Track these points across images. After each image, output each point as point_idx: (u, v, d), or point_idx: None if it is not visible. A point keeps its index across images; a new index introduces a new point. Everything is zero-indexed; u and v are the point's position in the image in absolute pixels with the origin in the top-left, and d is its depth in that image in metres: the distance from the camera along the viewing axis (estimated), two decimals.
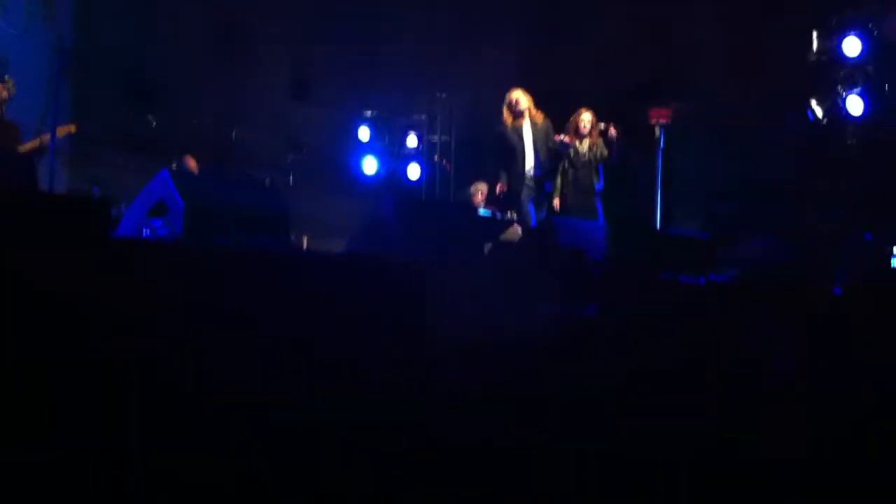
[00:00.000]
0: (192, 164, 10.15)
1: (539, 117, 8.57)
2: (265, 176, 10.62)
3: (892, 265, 7.40)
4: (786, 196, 9.91)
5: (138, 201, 5.61)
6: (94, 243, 4.44)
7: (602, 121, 8.78)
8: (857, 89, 9.59)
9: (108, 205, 5.75)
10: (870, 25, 9.52)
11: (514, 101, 8.55)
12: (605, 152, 8.69)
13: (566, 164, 8.71)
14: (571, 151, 8.70)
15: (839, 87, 9.68)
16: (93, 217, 4.48)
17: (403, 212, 6.11)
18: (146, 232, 5.43)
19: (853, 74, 9.65)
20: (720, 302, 5.89)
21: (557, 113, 9.04)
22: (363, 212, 7.11)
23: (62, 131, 8.22)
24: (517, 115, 8.55)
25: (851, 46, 9.56)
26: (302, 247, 8.69)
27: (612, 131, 8.62)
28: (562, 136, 8.62)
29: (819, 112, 9.83)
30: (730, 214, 10.08)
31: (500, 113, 8.68)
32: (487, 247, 7.24)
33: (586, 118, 8.73)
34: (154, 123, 10.16)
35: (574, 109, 8.89)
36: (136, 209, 5.58)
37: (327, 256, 5.60)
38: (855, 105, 9.59)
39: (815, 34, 9.84)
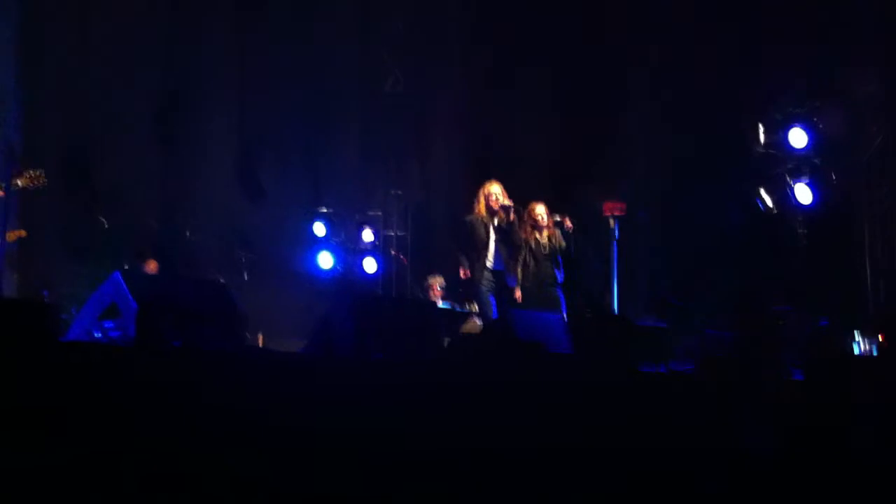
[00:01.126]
0: (152, 266, 10.04)
1: (508, 216, 8.50)
2: (218, 276, 10.52)
3: (852, 350, 7.45)
4: (739, 285, 10.00)
5: (89, 304, 5.48)
6: (43, 347, 4.33)
7: (556, 213, 8.84)
8: (805, 179, 9.80)
9: (58, 309, 5.64)
10: (814, 119, 9.79)
11: (490, 196, 8.51)
12: (563, 244, 8.72)
13: (527, 257, 8.71)
14: (533, 243, 8.72)
15: (787, 178, 9.90)
16: (42, 321, 4.38)
17: (361, 309, 6.04)
18: (97, 335, 5.29)
19: (800, 166, 9.88)
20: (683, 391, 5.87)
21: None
22: (320, 309, 7.02)
23: (12, 236, 8.10)
24: (490, 210, 8.51)
25: (797, 138, 9.81)
26: (257, 345, 8.57)
27: (568, 223, 8.68)
28: (508, 203, 8.54)
29: (769, 201, 10.01)
30: (684, 306, 10.14)
31: (475, 201, 8.60)
32: (447, 341, 7.18)
33: (540, 211, 8.78)
34: (106, 225, 10.06)
35: (526, 205, 8.92)
36: (87, 313, 5.45)
37: (282, 356, 5.50)
38: (803, 194, 9.79)
39: (761, 128, 10.09)
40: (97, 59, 10.85)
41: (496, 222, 8.50)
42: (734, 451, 5.09)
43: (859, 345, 7.71)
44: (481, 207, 8.55)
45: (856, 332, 7.97)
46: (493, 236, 8.48)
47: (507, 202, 8.45)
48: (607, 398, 5.42)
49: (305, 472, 4.28)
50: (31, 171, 7.69)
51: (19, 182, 7.65)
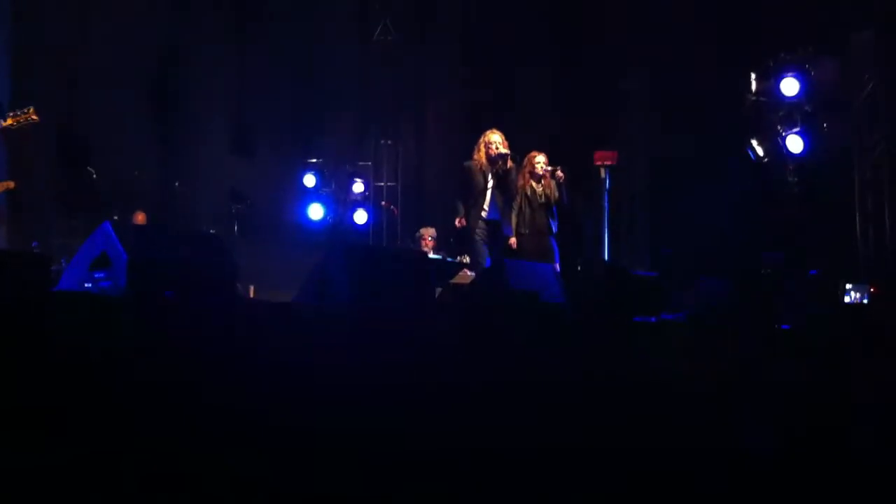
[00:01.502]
0: (140, 218, 10.01)
1: (507, 164, 8.44)
2: (209, 227, 10.49)
3: (843, 300, 7.48)
4: (730, 235, 10.02)
5: (79, 255, 5.43)
6: (35, 298, 4.31)
7: (549, 163, 8.78)
8: (797, 129, 9.77)
9: (48, 260, 5.60)
10: (806, 67, 9.74)
11: (491, 144, 8.44)
12: (557, 194, 8.67)
13: (523, 205, 8.68)
14: (528, 191, 8.69)
15: (779, 127, 9.87)
16: (33, 272, 4.35)
17: (353, 260, 6.02)
18: (88, 285, 5.26)
19: (792, 114, 9.85)
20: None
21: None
22: (311, 261, 7.00)
23: (1, 187, 8.05)
24: (490, 158, 8.46)
25: (789, 87, 9.77)
26: (248, 296, 8.56)
27: (559, 173, 8.62)
28: (506, 152, 8.48)
29: (760, 151, 10.00)
30: (675, 255, 10.17)
31: (476, 150, 8.53)
32: (438, 291, 7.18)
33: (541, 160, 8.71)
34: (94, 175, 10.00)
35: (526, 153, 8.87)
36: (78, 263, 5.40)
37: (276, 307, 5.48)
38: (795, 144, 9.77)
39: (753, 76, 10.03)
40: (92, 15, 10.74)
41: (494, 171, 8.44)
42: (724, 403, 5.12)
43: (850, 294, 7.74)
44: (481, 155, 8.47)
45: (847, 283, 7.99)
46: (490, 185, 8.43)
47: (504, 150, 8.38)
48: (598, 348, 5.44)
49: (303, 420, 4.29)
50: (19, 111, 7.57)
51: (8, 121, 7.53)
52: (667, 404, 4.98)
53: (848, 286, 7.81)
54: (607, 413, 4.78)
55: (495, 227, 8.44)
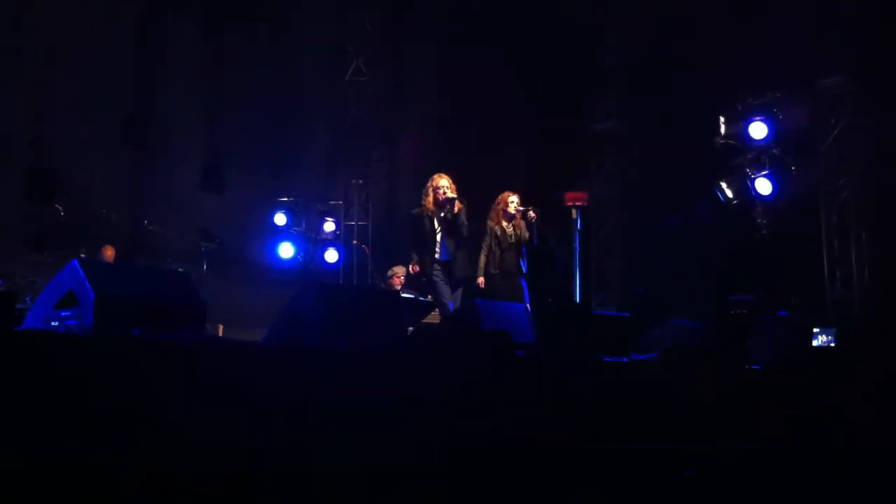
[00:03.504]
0: (109, 253, 9.91)
1: (456, 206, 8.46)
2: (178, 265, 10.40)
3: (812, 342, 7.49)
4: (701, 276, 10.07)
5: (46, 293, 5.35)
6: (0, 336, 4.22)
7: (521, 204, 8.81)
8: (765, 171, 9.89)
9: (14, 297, 5.50)
10: (774, 111, 9.87)
11: (438, 188, 8.47)
12: (527, 235, 8.69)
13: (493, 245, 8.69)
14: (498, 231, 8.70)
15: (747, 170, 9.98)
16: None
17: (324, 298, 5.97)
18: (54, 324, 5.17)
19: (760, 157, 9.97)
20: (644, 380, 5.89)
21: (475, 198, 9.03)
22: (281, 299, 6.94)
23: None
24: (438, 203, 8.47)
25: (758, 131, 9.90)
26: (217, 334, 8.47)
27: (532, 213, 8.64)
28: (452, 196, 8.50)
29: (729, 193, 10.09)
30: (646, 296, 10.20)
31: (421, 196, 8.58)
32: (410, 330, 7.14)
33: (514, 200, 8.75)
34: (62, 212, 9.90)
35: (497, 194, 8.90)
36: (44, 302, 5.32)
37: (243, 346, 5.42)
38: (763, 186, 9.87)
39: (721, 119, 10.16)
40: (61, 50, 10.70)
41: (442, 214, 8.46)
42: (695, 441, 5.12)
43: (818, 337, 7.76)
44: (429, 200, 8.51)
45: (815, 326, 8.02)
46: (438, 228, 8.44)
47: (452, 195, 8.41)
48: (569, 386, 5.42)
49: (272, 461, 4.23)
50: None
51: None
52: (638, 442, 4.97)
53: (815, 329, 7.83)
54: (577, 450, 4.77)
55: (449, 268, 8.44)
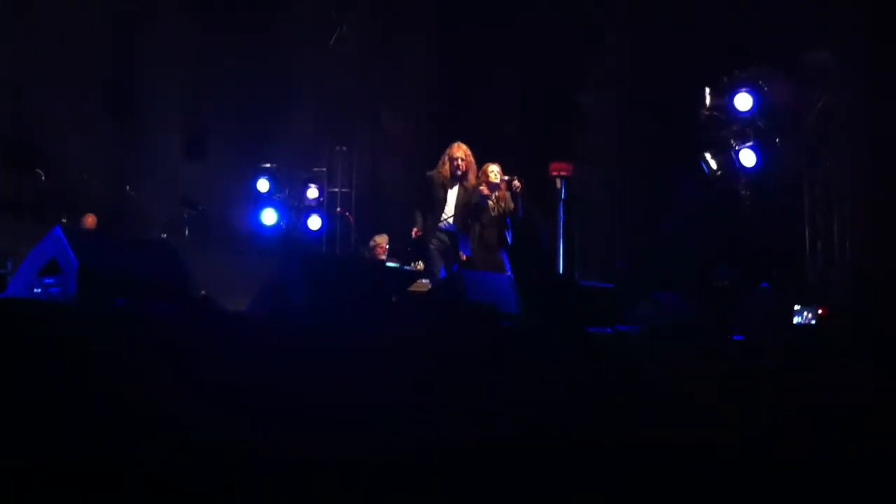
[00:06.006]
0: (90, 221, 9.83)
1: (472, 179, 8.39)
2: (161, 233, 10.33)
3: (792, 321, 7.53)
4: (684, 248, 10.10)
5: (28, 260, 5.30)
6: None
7: (506, 174, 8.73)
8: (750, 143, 9.90)
9: None
10: (760, 83, 9.87)
11: (456, 158, 8.36)
12: (512, 206, 8.56)
13: (471, 220, 8.59)
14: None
15: (732, 141, 9.99)
16: None
17: (308, 268, 5.95)
18: (37, 291, 5.14)
19: (745, 129, 9.98)
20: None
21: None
22: (264, 267, 6.91)
23: None
24: (454, 174, 8.39)
25: (743, 102, 9.91)
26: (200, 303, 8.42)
27: (517, 183, 8.53)
28: (480, 187, 8.45)
29: (714, 165, 10.11)
30: (629, 269, 10.23)
31: (441, 162, 8.45)
32: (395, 299, 7.12)
33: (495, 170, 8.59)
34: (43, 177, 9.82)
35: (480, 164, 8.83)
36: (26, 269, 5.27)
37: (230, 316, 5.40)
38: (748, 158, 9.89)
39: (707, 91, 10.15)
40: (40, 16, 10.54)
41: (457, 188, 8.41)
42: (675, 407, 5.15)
43: (800, 315, 7.82)
44: (445, 168, 8.42)
45: (796, 304, 8.07)
46: (451, 200, 8.38)
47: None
48: (553, 358, 5.44)
49: (256, 436, 4.22)
50: None
51: None
52: (624, 414, 4.99)
53: (797, 307, 7.87)
54: (565, 423, 4.78)
55: (453, 238, 8.40)
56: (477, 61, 11.59)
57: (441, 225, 8.34)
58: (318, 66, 12.17)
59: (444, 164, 8.40)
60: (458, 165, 8.35)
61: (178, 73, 11.56)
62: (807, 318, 7.52)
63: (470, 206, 8.41)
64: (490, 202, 8.52)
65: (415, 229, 8.46)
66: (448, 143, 8.63)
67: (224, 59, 11.78)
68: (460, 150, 8.40)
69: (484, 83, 11.57)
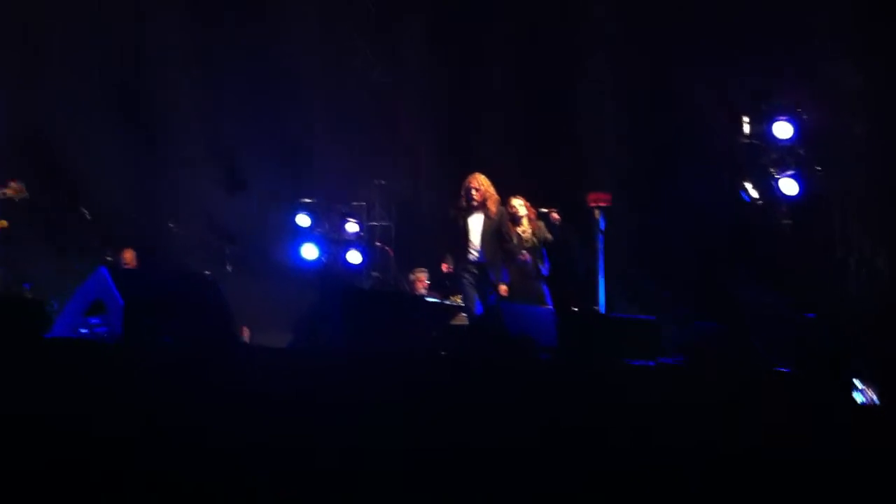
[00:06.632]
0: (129, 257, 9.95)
1: (493, 208, 8.39)
2: (202, 268, 10.43)
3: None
4: (725, 277, 10.02)
5: (74, 301, 5.40)
6: (31, 345, 4.26)
7: (543, 206, 8.78)
8: (790, 171, 9.81)
9: (42, 304, 5.55)
10: (798, 110, 9.80)
11: (471, 189, 8.37)
12: (548, 236, 8.66)
13: (511, 251, 8.63)
14: (514, 237, 8.65)
15: (772, 170, 9.91)
16: (28, 318, 4.31)
17: (350, 303, 5.99)
18: (83, 331, 5.21)
19: (784, 157, 9.89)
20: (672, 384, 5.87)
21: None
22: (305, 302, 6.96)
23: None
24: (473, 205, 8.37)
25: (782, 130, 9.82)
26: (243, 339, 8.49)
27: (555, 216, 8.62)
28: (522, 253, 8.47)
29: (754, 193, 10.03)
30: (670, 298, 10.14)
31: (458, 195, 8.47)
32: (435, 335, 7.13)
33: (517, 204, 8.71)
34: (88, 216, 9.96)
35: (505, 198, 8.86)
36: (72, 309, 5.36)
37: (273, 353, 5.44)
38: (789, 187, 9.80)
39: (745, 119, 10.09)
40: (63, 55, 10.76)
41: (478, 217, 8.42)
42: (724, 445, 5.10)
43: (863, 393, 7.51)
44: (461, 200, 8.44)
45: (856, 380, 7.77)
46: (476, 232, 8.35)
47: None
48: (596, 393, 5.41)
49: (299, 467, 4.24)
50: (15, 184, 8.20)
51: (7, 192, 8.15)
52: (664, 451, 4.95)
53: (858, 384, 7.51)
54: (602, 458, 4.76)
55: (483, 270, 8.32)
56: (510, 93, 11.62)
57: (470, 258, 8.29)
58: (352, 99, 12.25)
59: (461, 196, 8.41)
60: (472, 196, 8.34)
61: (215, 110, 11.71)
62: (870, 397, 7.18)
63: (506, 254, 8.41)
64: (522, 234, 8.61)
65: (444, 265, 8.51)
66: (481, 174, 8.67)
67: (261, 94, 11.90)
68: (475, 181, 8.39)
69: (515, 112, 11.59)
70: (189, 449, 4.10)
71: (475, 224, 8.32)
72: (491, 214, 8.32)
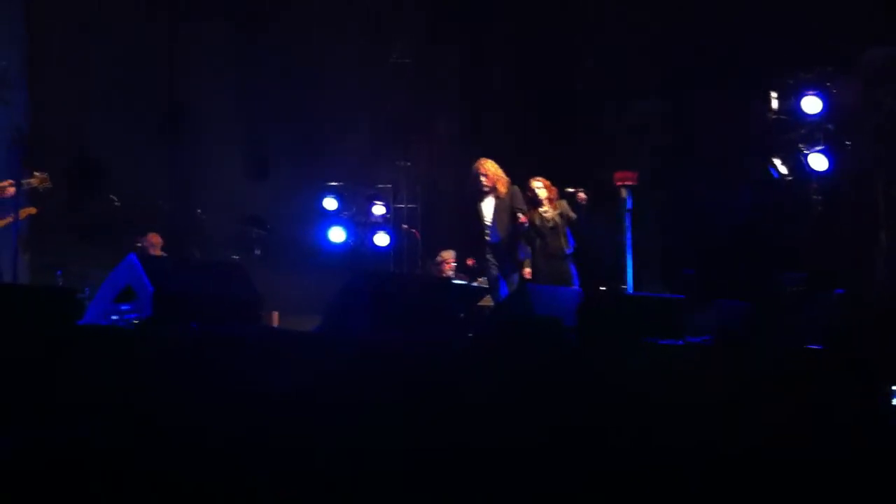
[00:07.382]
0: (155, 240, 10.04)
1: (502, 189, 8.46)
2: (230, 253, 10.50)
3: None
4: (752, 256, 9.96)
5: (104, 288, 5.46)
6: (65, 332, 4.32)
7: (568, 186, 8.78)
8: (820, 147, 9.72)
9: (74, 293, 5.61)
10: (827, 85, 9.70)
11: (478, 174, 8.47)
12: (573, 216, 8.67)
13: (533, 232, 8.68)
14: (536, 219, 8.68)
15: (800, 146, 9.83)
16: (61, 306, 4.37)
17: (376, 287, 6.01)
18: (114, 318, 5.27)
19: (813, 133, 9.80)
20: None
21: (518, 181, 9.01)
22: (333, 286, 6.99)
23: (24, 213, 8.20)
24: (484, 190, 8.47)
25: (811, 105, 9.72)
26: (272, 324, 8.56)
27: (581, 195, 8.63)
28: (519, 215, 8.50)
29: (783, 169, 9.95)
30: (697, 276, 10.10)
31: (470, 182, 8.56)
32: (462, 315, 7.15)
33: (536, 186, 8.74)
34: (117, 203, 10.06)
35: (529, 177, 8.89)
36: (103, 296, 5.43)
37: (303, 338, 5.48)
38: (818, 162, 9.71)
39: (773, 94, 10.00)
40: (99, 44, 10.84)
41: (490, 200, 8.46)
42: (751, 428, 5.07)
43: None
44: (470, 185, 8.56)
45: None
46: (489, 214, 8.47)
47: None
48: (621, 374, 5.39)
49: (324, 451, 4.27)
50: (39, 174, 8.18)
51: (32, 182, 8.11)
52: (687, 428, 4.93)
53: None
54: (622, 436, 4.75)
55: (501, 250, 8.41)
56: (533, 72, 11.59)
57: (486, 239, 8.42)
58: (373, 80, 12.25)
59: (471, 181, 8.46)
60: (482, 182, 8.38)
61: (239, 94, 11.77)
62: None
63: (519, 235, 8.44)
64: (545, 214, 8.61)
65: (469, 259, 8.62)
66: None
67: (282, 77, 11.93)
68: (482, 167, 8.49)
69: (536, 93, 11.56)
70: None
71: (488, 208, 8.44)
72: (501, 195, 8.41)
